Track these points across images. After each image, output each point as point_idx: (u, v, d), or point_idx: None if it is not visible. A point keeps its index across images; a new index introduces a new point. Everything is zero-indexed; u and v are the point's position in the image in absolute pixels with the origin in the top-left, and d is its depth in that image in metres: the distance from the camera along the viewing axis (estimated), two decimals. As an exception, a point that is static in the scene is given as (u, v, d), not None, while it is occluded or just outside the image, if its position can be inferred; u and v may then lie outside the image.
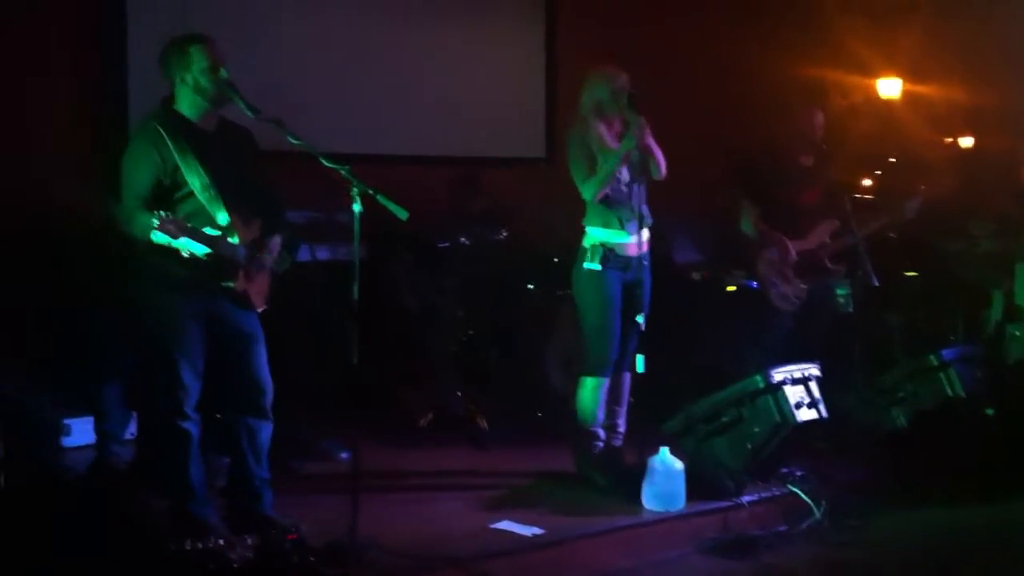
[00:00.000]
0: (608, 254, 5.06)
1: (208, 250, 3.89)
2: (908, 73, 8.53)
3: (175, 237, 3.80)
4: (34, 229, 5.48)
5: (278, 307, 4.40)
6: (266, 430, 4.33)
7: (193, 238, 3.84)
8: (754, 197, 5.88)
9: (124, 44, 6.20)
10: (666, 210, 5.35)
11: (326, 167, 4.10)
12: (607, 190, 5.03)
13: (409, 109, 7.27)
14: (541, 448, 5.74)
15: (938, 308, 7.09)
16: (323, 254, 6.10)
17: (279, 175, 4.48)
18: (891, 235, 6.71)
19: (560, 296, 6.37)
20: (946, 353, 5.61)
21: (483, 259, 6.41)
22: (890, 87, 8.51)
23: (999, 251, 6.86)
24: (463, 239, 6.17)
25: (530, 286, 6.63)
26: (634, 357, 5.01)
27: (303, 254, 5.87)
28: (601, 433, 5.21)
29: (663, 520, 4.72)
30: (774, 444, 4.97)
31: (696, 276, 7.32)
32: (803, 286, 5.82)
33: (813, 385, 5.07)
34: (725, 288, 6.90)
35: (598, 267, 5.06)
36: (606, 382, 5.14)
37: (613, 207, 5.06)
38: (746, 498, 4.85)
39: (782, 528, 4.67)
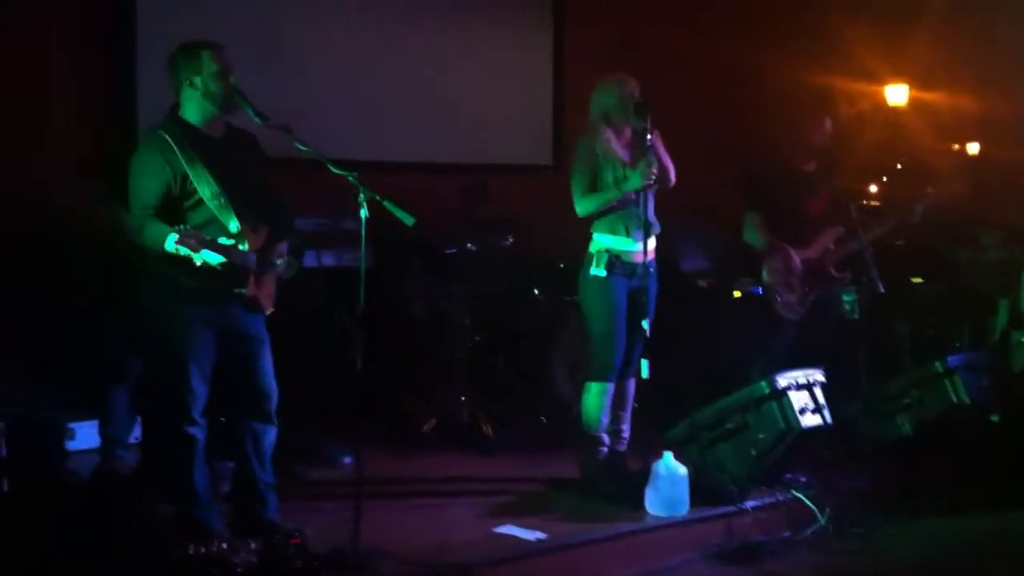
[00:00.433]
0: (614, 260, 5.07)
1: (223, 259, 3.89)
2: (915, 80, 8.52)
3: (195, 251, 3.80)
4: (38, 231, 5.51)
5: (284, 312, 4.42)
6: (271, 434, 4.34)
7: (211, 249, 3.85)
8: (758, 205, 5.87)
9: (133, 45, 6.23)
10: (674, 217, 5.35)
11: (333, 173, 4.12)
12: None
13: (416, 115, 7.28)
14: (546, 454, 5.75)
15: (944, 315, 7.08)
16: (329, 260, 6.11)
17: (287, 181, 4.50)
18: (898, 242, 6.70)
19: (566, 302, 6.38)
20: (951, 360, 5.60)
21: (490, 266, 6.42)
22: (897, 94, 8.50)
23: (1006, 259, 6.85)
24: (470, 245, 6.18)
25: (536, 292, 6.64)
26: (639, 363, 5.02)
27: (309, 260, 5.90)
28: (605, 439, 5.21)
29: (667, 526, 4.72)
30: (779, 451, 4.97)
31: (702, 283, 7.32)
32: (808, 295, 5.80)
33: (818, 391, 5.08)
34: (731, 295, 6.90)
35: (604, 273, 5.07)
36: (611, 388, 5.15)
37: (620, 214, 5.07)
38: (750, 504, 4.85)
39: (786, 535, 4.64)
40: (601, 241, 5.11)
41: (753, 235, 5.88)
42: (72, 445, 5.50)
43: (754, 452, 4.95)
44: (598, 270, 5.08)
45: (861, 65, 8.36)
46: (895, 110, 8.60)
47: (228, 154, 4.16)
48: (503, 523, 4.66)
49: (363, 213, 4.12)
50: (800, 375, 5.04)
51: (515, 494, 5.15)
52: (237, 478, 4.37)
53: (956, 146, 8.63)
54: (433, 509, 4.93)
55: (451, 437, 6.00)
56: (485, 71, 7.61)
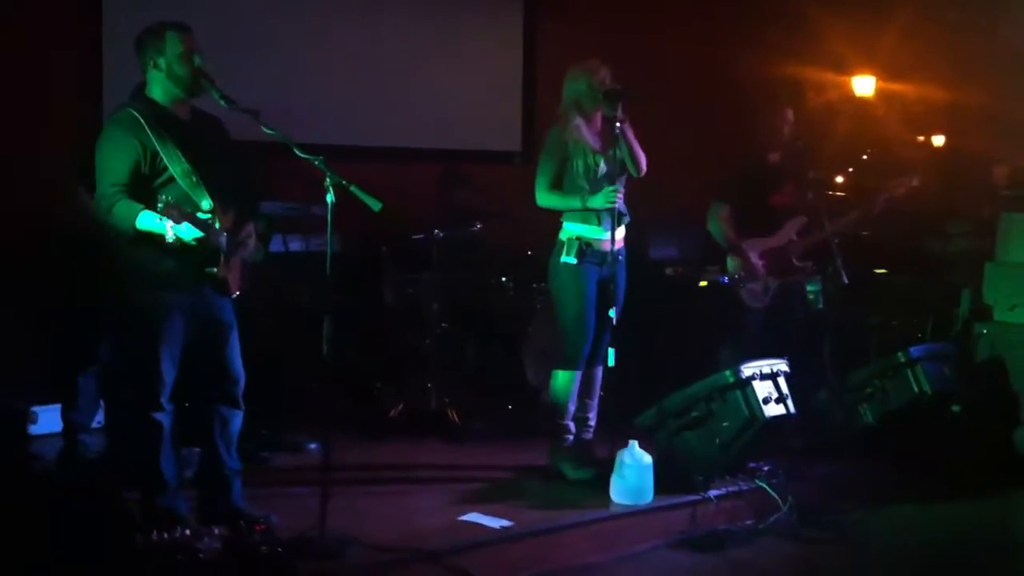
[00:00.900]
0: (584, 248, 5.08)
1: (199, 234, 3.85)
2: (883, 71, 8.58)
3: (177, 222, 3.76)
4: (2, 215, 5.47)
5: (251, 297, 4.40)
6: (238, 419, 4.32)
7: (191, 223, 3.82)
8: (725, 196, 5.90)
9: (99, 29, 6.19)
10: (643, 206, 5.36)
11: (301, 158, 4.10)
12: (585, 185, 5.05)
13: (386, 101, 7.26)
14: (514, 441, 5.77)
15: (909, 306, 7.15)
16: (296, 245, 6.09)
17: (253, 165, 4.47)
18: (863, 233, 6.75)
19: (535, 290, 6.39)
20: (914, 351, 5.66)
21: (458, 252, 6.42)
22: (864, 85, 8.56)
23: (971, 250, 6.92)
24: (437, 232, 6.17)
25: (505, 280, 6.64)
26: (607, 351, 5.04)
27: (276, 245, 5.87)
28: (572, 426, 5.23)
29: (632, 514, 4.75)
30: (743, 439, 5.01)
31: (670, 272, 7.35)
32: (772, 284, 5.84)
33: (781, 381, 5.11)
34: (698, 284, 6.93)
35: (574, 261, 5.08)
36: (579, 375, 5.17)
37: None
38: (714, 492, 4.88)
39: (750, 523, 4.70)
40: (571, 229, 5.11)
41: (716, 228, 5.92)
42: (35, 429, 5.46)
43: (719, 441, 4.99)
44: (568, 257, 5.09)
45: (830, 56, 8.41)
46: (863, 101, 8.66)
47: (196, 135, 4.13)
48: (470, 511, 4.66)
49: (329, 198, 4.10)
50: (764, 365, 5.08)
51: (483, 481, 5.16)
52: (203, 464, 4.35)
53: (923, 137, 8.70)
54: (400, 496, 4.93)
55: (419, 424, 6.00)
56: (456, 57, 7.59)
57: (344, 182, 4.10)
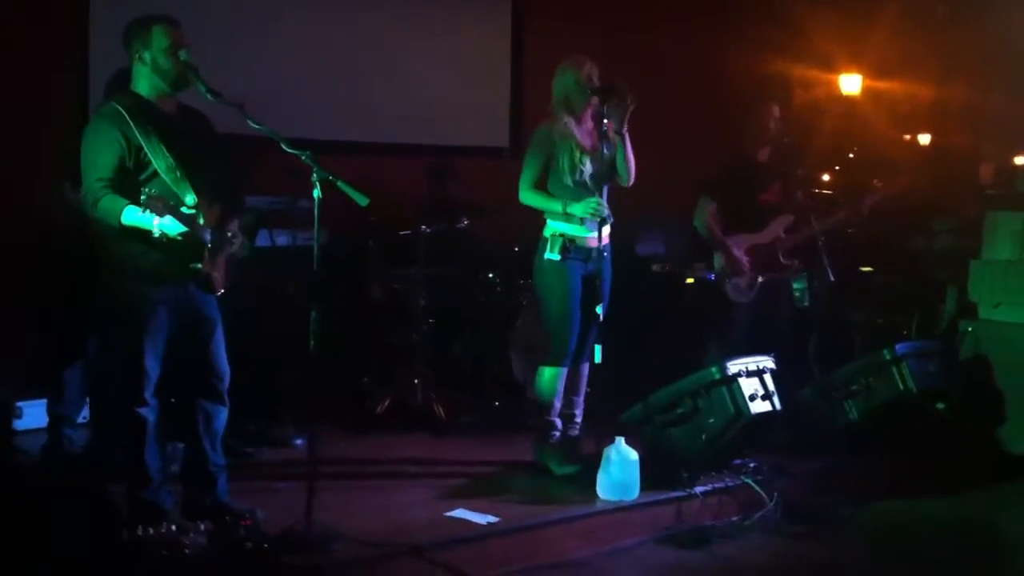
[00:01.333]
0: (568, 245, 5.08)
1: (184, 229, 3.85)
2: (870, 70, 8.61)
3: (161, 214, 3.75)
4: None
5: (236, 292, 4.38)
6: (223, 415, 4.31)
7: (175, 216, 3.81)
8: (712, 192, 5.92)
9: (86, 26, 6.15)
10: (630, 203, 5.36)
11: (287, 153, 4.09)
12: (570, 183, 5.04)
13: (373, 96, 7.25)
14: (499, 437, 5.78)
15: (895, 303, 7.18)
16: (283, 240, 6.08)
17: (240, 160, 4.46)
18: (849, 230, 6.77)
19: (521, 286, 6.39)
20: (900, 348, 5.67)
21: (445, 248, 6.41)
22: (851, 83, 8.59)
23: (957, 247, 6.95)
24: (424, 227, 6.16)
25: (491, 275, 6.64)
26: (593, 348, 5.04)
27: (263, 239, 5.85)
28: (558, 422, 5.23)
29: (618, 510, 4.75)
30: (729, 436, 5.02)
31: (656, 268, 7.37)
32: (757, 279, 5.86)
33: (768, 378, 5.13)
34: (684, 281, 6.94)
35: (558, 257, 5.08)
36: (564, 372, 5.17)
37: (577, 200, 5.06)
38: (699, 489, 4.89)
39: (735, 519, 4.71)
40: (555, 226, 5.11)
41: (702, 224, 5.93)
42: (20, 424, 5.44)
43: (704, 437, 5.00)
44: (552, 254, 5.09)
45: (817, 53, 8.43)
46: (849, 99, 8.69)
47: (182, 130, 4.11)
48: (456, 506, 4.66)
49: (316, 193, 4.09)
50: (751, 362, 5.09)
51: (468, 477, 5.16)
52: (187, 459, 4.34)
53: (909, 136, 8.73)
54: (386, 491, 4.93)
55: (405, 419, 5.99)
56: (444, 52, 7.58)
57: (331, 177, 4.09)
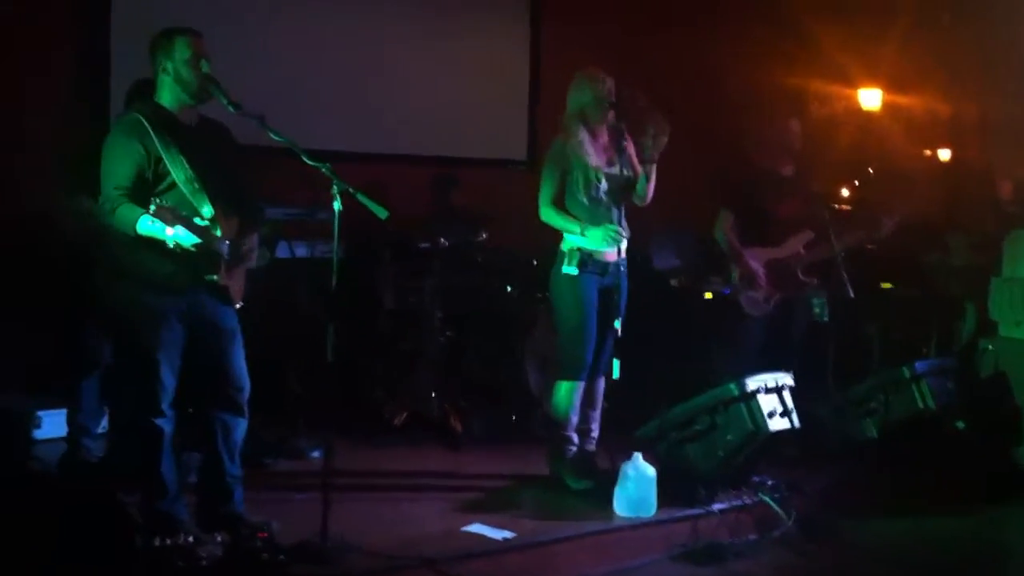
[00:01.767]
0: (586, 259, 5.07)
1: (197, 240, 3.86)
2: (889, 84, 8.59)
3: (171, 225, 3.76)
4: (10, 223, 5.45)
5: (255, 303, 4.39)
6: (241, 427, 4.31)
7: (186, 227, 3.82)
8: (730, 205, 5.90)
9: (107, 36, 6.19)
10: (647, 217, 5.35)
11: (307, 164, 4.10)
12: (586, 201, 5.03)
13: (392, 107, 7.28)
14: (515, 451, 5.75)
15: (913, 320, 7.14)
16: (302, 251, 6.09)
17: (260, 171, 4.47)
18: (868, 246, 6.75)
19: (538, 299, 6.38)
20: (919, 365, 5.65)
21: (462, 261, 6.42)
22: (871, 98, 8.56)
23: (975, 264, 6.91)
24: (443, 240, 6.16)
25: (508, 288, 6.63)
26: (610, 362, 5.02)
27: (282, 251, 5.87)
28: (574, 437, 5.22)
29: (634, 526, 4.73)
30: (747, 452, 5.00)
31: (674, 283, 7.35)
32: (774, 294, 5.84)
33: (786, 394, 5.10)
34: (702, 295, 6.93)
35: (575, 271, 5.07)
36: (581, 386, 5.15)
37: (593, 217, 5.06)
38: (717, 506, 4.86)
39: (752, 536, 4.69)
40: (572, 240, 5.10)
41: (721, 236, 5.92)
42: (39, 434, 5.45)
43: (722, 453, 4.98)
44: (570, 268, 5.08)
45: (835, 68, 8.42)
46: (868, 114, 8.66)
47: (202, 142, 4.13)
48: (471, 519, 4.65)
49: (336, 205, 4.10)
50: (770, 378, 5.07)
51: (484, 490, 5.15)
52: (204, 470, 4.33)
53: (928, 151, 8.70)
54: (401, 503, 4.92)
55: (421, 431, 5.99)
56: (462, 64, 7.61)
57: (351, 189, 4.10)
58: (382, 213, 4.12)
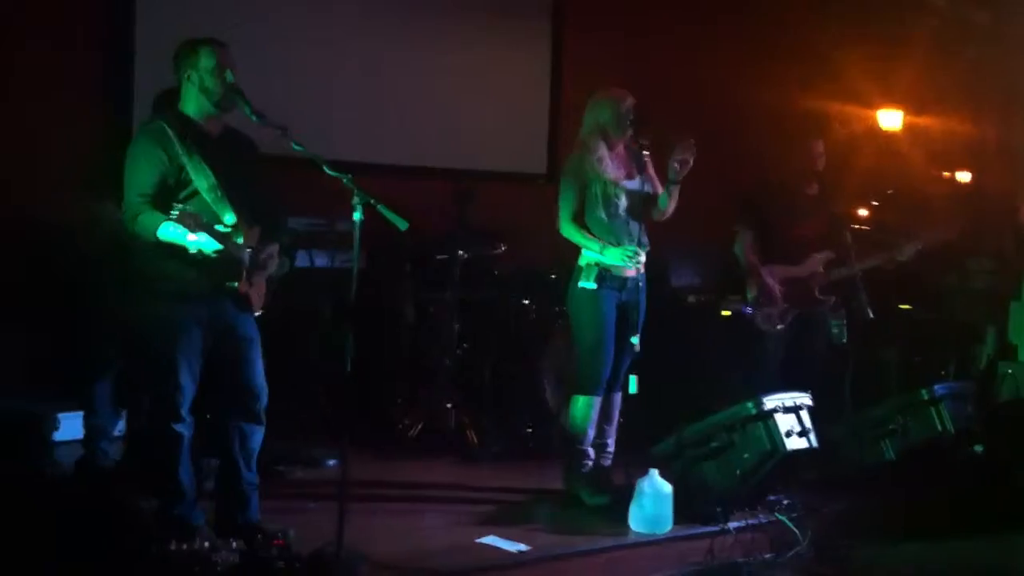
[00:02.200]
0: (604, 274, 5.07)
1: (219, 247, 3.87)
2: (909, 106, 8.57)
3: (193, 231, 3.78)
4: (25, 226, 5.49)
5: (274, 312, 4.41)
6: (258, 435, 4.32)
7: (208, 233, 3.84)
8: (751, 224, 5.90)
9: (131, 44, 6.23)
10: (665, 233, 5.35)
11: (328, 175, 4.11)
12: (604, 217, 5.04)
13: (412, 120, 7.29)
14: (531, 464, 5.75)
15: (931, 342, 7.10)
16: (321, 261, 6.11)
17: (281, 181, 4.49)
18: (888, 268, 6.72)
19: (555, 313, 6.38)
20: (938, 388, 5.62)
21: (481, 273, 6.42)
22: (891, 119, 8.54)
23: (994, 288, 6.89)
24: (461, 252, 6.17)
25: (526, 302, 6.64)
26: (627, 377, 5.01)
27: (302, 260, 5.89)
28: (590, 452, 5.21)
29: (649, 543, 4.71)
30: (763, 472, 4.98)
31: (692, 300, 7.34)
32: (789, 311, 5.83)
33: (804, 414, 5.08)
34: (720, 313, 6.91)
35: (593, 286, 5.07)
36: (597, 401, 5.14)
37: (611, 232, 5.07)
38: (732, 524, 4.84)
39: (767, 556, 4.66)
40: (591, 255, 5.10)
41: (740, 253, 5.92)
42: (57, 435, 5.46)
43: (738, 472, 4.96)
44: (587, 282, 5.08)
45: (855, 89, 8.40)
46: (888, 135, 8.64)
47: (225, 151, 4.16)
48: (485, 532, 4.64)
49: (357, 216, 4.10)
50: (788, 398, 5.05)
51: (498, 503, 5.14)
52: (221, 477, 4.35)
53: (948, 174, 8.67)
54: (416, 515, 4.92)
55: (436, 443, 5.99)
56: (483, 77, 7.62)
57: (372, 200, 4.11)
58: (402, 224, 4.13)
